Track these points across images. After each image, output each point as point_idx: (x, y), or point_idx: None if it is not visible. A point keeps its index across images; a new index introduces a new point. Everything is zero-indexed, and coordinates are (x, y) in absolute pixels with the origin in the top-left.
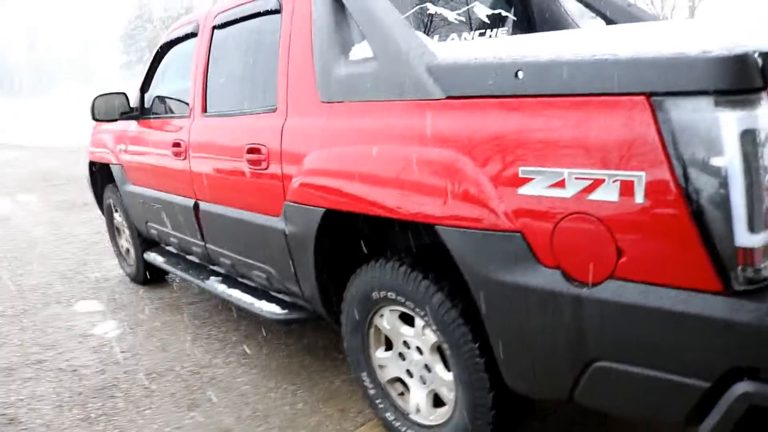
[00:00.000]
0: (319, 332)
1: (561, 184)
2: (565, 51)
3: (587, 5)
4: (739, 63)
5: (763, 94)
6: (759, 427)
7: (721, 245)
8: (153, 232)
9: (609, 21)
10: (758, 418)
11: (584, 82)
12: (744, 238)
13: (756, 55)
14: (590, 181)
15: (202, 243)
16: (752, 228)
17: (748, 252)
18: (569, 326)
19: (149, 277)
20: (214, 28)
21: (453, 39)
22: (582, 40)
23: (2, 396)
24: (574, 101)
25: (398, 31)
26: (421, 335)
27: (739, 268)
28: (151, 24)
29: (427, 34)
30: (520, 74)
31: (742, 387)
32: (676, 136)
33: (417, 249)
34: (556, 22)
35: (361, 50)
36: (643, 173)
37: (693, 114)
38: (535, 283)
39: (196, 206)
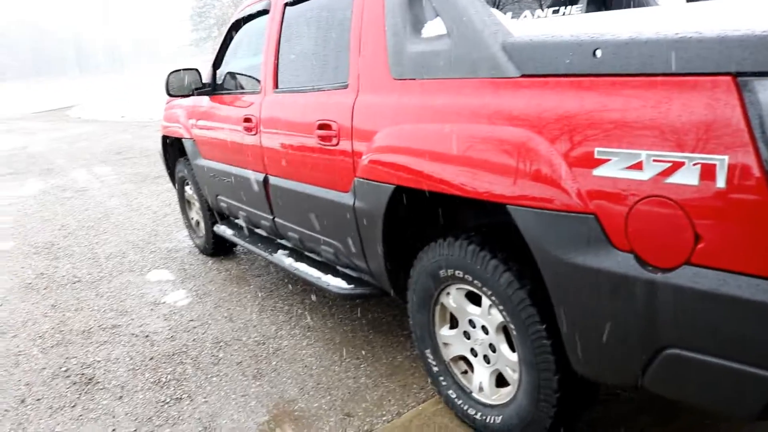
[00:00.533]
0: (384, 308)
1: (638, 166)
2: (646, 29)
3: None
4: None
5: None
6: None
7: None
8: (223, 205)
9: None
10: None
11: (666, 61)
12: None
13: None
14: (669, 164)
15: (271, 217)
16: None
17: None
18: (641, 312)
19: (218, 249)
20: (286, 5)
21: (525, 17)
22: (661, 18)
23: (81, 357)
24: (655, 81)
25: (473, 8)
26: (488, 314)
27: None
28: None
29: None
30: (599, 53)
31: None
32: (764, 118)
33: (487, 228)
34: (632, 0)
35: (434, 27)
36: (726, 157)
37: None
38: (608, 266)
39: (266, 180)
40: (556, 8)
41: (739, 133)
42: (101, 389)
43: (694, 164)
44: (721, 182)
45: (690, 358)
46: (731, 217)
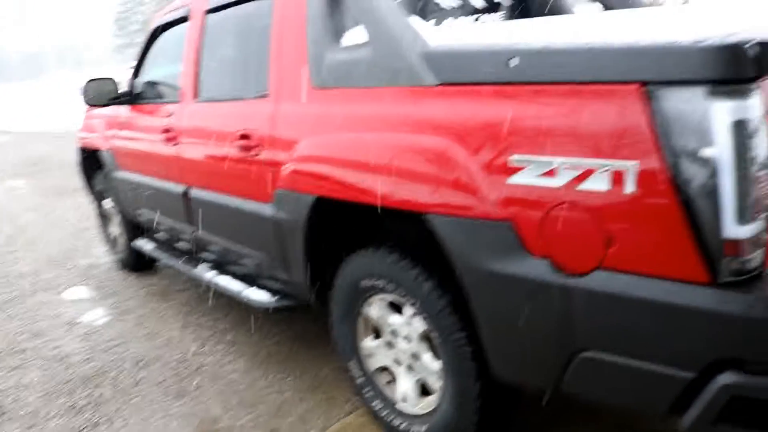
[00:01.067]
0: (309, 320)
1: (552, 173)
2: (559, 38)
3: None
4: (733, 53)
5: (756, 85)
6: (741, 417)
7: (709, 236)
8: (143, 218)
9: (606, 6)
10: (740, 409)
11: (577, 70)
12: (732, 229)
13: (749, 44)
14: (581, 171)
15: (192, 230)
16: (740, 219)
17: (735, 243)
18: (557, 316)
19: (139, 264)
20: (207, 12)
21: (447, 24)
22: (576, 27)
23: None
24: (567, 89)
25: (392, 17)
26: (410, 324)
27: (726, 259)
28: (144, 6)
29: (422, 19)
30: (513, 61)
31: (725, 378)
32: (669, 125)
33: (408, 237)
34: (551, 7)
35: (354, 36)
36: (634, 163)
37: (685, 104)
38: (524, 272)
39: (186, 192)
40: (477, 16)
41: (646, 140)
42: (8, 420)
43: (605, 170)
44: (630, 188)
45: (604, 359)
46: (640, 221)
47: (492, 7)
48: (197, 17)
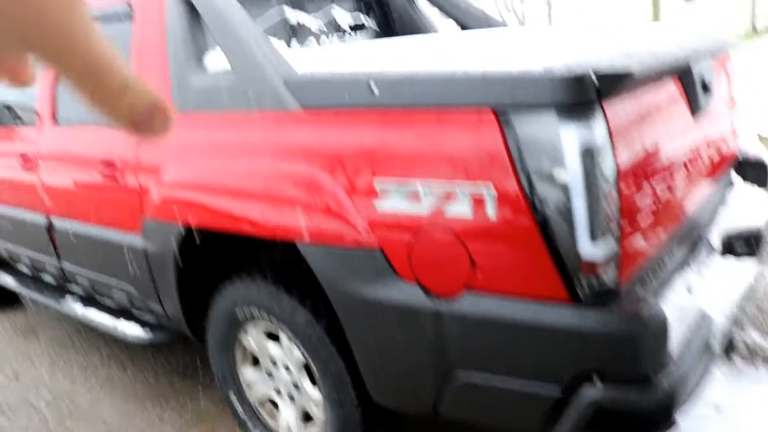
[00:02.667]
0: (188, 352)
1: (416, 198)
2: (418, 64)
3: (443, 11)
4: (577, 81)
5: (599, 110)
6: (608, 427)
7: (567, 256)
8: (2, 251)
9: (462, 26)
10: (607, 420)
11: (435, 96)
12: (587, 248)
13: (592, 73)
14: (443, 195)
15: (57, 261)
16: (594, 239)
17: (591, 263)
18: (430, 340)
19: (1, 299)
20: None
21: (311, 44)
22: (435, 50)
23: None
24: (427, 115)
25: (254, 42)
26: (289, 353)
27: (583, 277)
28: None
29: (285, 40)
30: (374, 88)
31: (588, 391)
32: (522, 149)
33: (280, 265)
34: (414, 25)
35: (216, 57)
36: (492, 186)
37: (537, 129)
38: (395, 297)
39: (49, 222)
40: (342, 35)
41: (501, 163)
42: None
43: (465, 194)
44: (490, 211)
45: (477, 382)
46: (501, 244)
47: (356, 27)
48: None
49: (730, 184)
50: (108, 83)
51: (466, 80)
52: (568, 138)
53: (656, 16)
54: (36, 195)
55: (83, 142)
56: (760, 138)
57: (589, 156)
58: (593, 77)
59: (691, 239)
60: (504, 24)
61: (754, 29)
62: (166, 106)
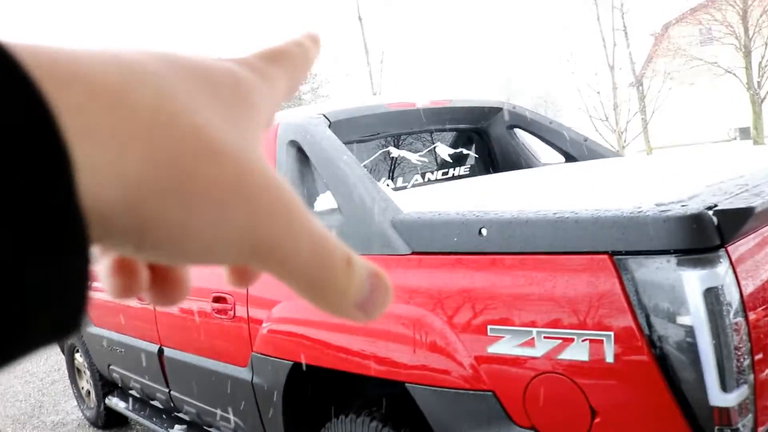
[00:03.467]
0: None
1: (530, 343)
2: (528, 206)
3: (546, 141)
4: (696, 223)
5: (722, 252)
6: None
7: (696, 406)
8: (116, 375)
9: (567, 156)
10: None
11: (547, 240)
12: (718, 397)
13: (711, 212)
14: (559, 341)
15: (167, 389)
16: (725, 387)
17: (724, 411)
18: None
19: (110, 421)
20: None
21: (417, 179)
22: (539, 187)
23: None
24: (539, 259)
25: (362, 185)
26: None
27: (716, 428)
28: None
29: (391, 177)
30: (484, 231)
31: None
32: (641, 295)
33: (388, 403)
34: (516, 158)
35: (325, 201)
36: (611, 333)
37: (656, 273)
38: None
39: (161, 351)
40: (446, 170)
41: (621, 310)
42: None
43: (583, 340)
44: (609, 357)
45: None
46: (623, 391)
47: (459, 161)
48: None
49: None
50: (333, 265)
51: (578, 224)
52: (691, 283)
53: (757, 122)
54: (150, 324)
55: (196, 275)
56: None
57: (713, 301)
58: (711, 214)
59: None
60: (608, 152)
61: None
62: (383, 274)
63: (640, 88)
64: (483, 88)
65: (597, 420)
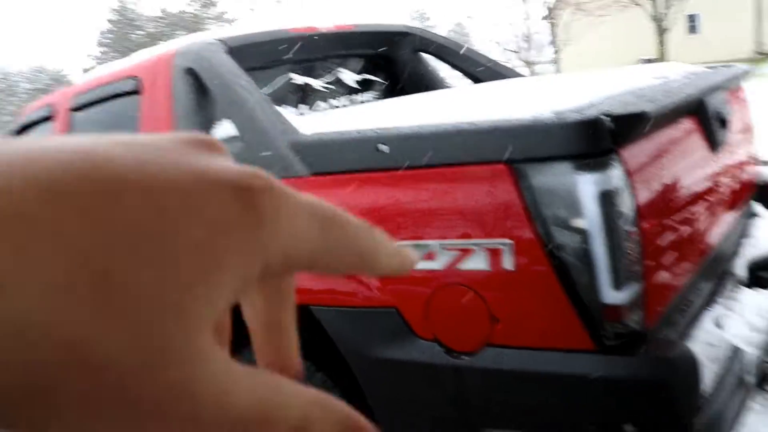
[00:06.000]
0: None
1: (431, 256)
2: (426, 121)
3: (452, 65)
4: (591, 128)
5: (615, 156)
6: None
7: (590, 305)
8: None
9: (475, 79)
10: None
11: (445, 152)
12: (609, 295)
13: (606, 118)
14: (459, 252)
15: None
16: (616, 285)
17: (615, 308)
18: (452, 398)
19: None
20: (70, 110)
21: (320, 107)
22: (444, 104)
23: None
24: (438, 172)
25: (260, 110)
26: None
27: (607, 324)
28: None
29: (294, 105)
30: (382, 147)
31: None
32: (538, 201)
33: (306, 331)
34: (424, 82)
35: (224, 128)
36: (509, 240)
37: (552, 179)
38: (414, 356)
39: None
40: (351, 96)
41: (518, 217)
42: None
43: (482, 249)
44: (508, 264)
45: None
46: (521, 296)
47: (365, 87)
48: (61, 116)
49: (753, 215)
50: None
51: (476, 134)
52: (586, 186)
53: (662, 53)
54: None
55: None
56: None
57: (607, 203)
58: (607, 121)
59: (716, 274)
60: (517, 74)
61: (760, 53)
62: (359, 423)
63: (552, 20)
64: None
65: (497, 326)
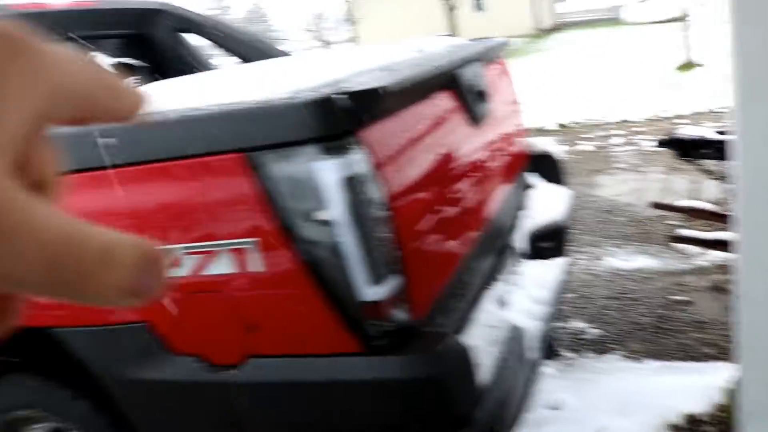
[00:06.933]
0: None
1: (174, 263)
2: (157, 108)
3: (218, 44)
4: (323, 107)
5: (356, 137)
6: None
7: (347, 303)
8: None
9: (243, 59)
10: None
11: (177, 144)
12: (367, 291)
13: (341, 96)
14: (203, 255)
15: None
16: (374, 279)
17: (374, 305)
18: (221, 415)
19: None
20: None
21: None
22: (190, 90)
23: None
24: (170, 166)
25: None
26: None
27: (369, 323)
28: None
29: None
30: (102, 141)
31: None
32: (279, 193)
33: (49, 355)
34: (185, 64)
35: None
36: (253, 239)
37: (291, 167)
38: (172, 375)
39: None
40: None
41: (259, 211)
42: None
43: (227, 251)
44: (256, 266)
45: None
46: (275, 300)
47: (123, 72)
48: None
49: (527, 186)
50: (84, 266)
51: (210, 121)
52: (327, 173)
53: (451, 28)
54: None
55: None
56: (562, 126)
57: (351, 190)
58: (343, 100)
59: (495, 250)
60: (284, 53)
61: (540, 30)
62: (154, 252)
63: None
64: (192, 4)
65: (256, 335)
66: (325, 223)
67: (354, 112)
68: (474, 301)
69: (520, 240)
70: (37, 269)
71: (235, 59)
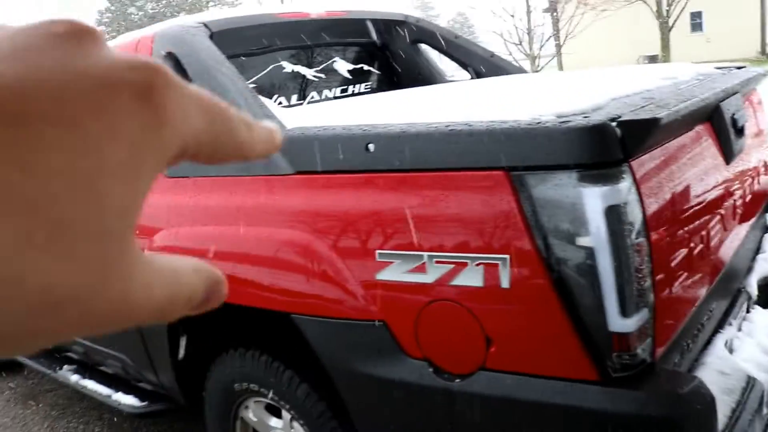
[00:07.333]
0: (192, 419)
1: (421, 269)
2: (420, 120)
3: (452, 57)
4: (597, 135)
5: (625, 167)
6: None
7: (595, 332)
8: None
9: (476, 73)
10: None
11: (439, 156)
12: (617, 323)
13: (614, 124)
14: (452, 266)
15: None
16: (624, 312)
17: (623, 337)
18: (441, 422)
19: (3, 366)
20: None
21: (313, 97)
22: (439, 101)
23: None
24: (430, 177)
25: (242, 100)
26: (290, 428)
27: (614, 354)
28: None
29: (285, 94)
30: (371, 147)
31: None
32: (539, 215)
33: (280, 337)
34: (420, 74)
35: None
36: (507, 256)
37: (555, 190)
38: (402, 376)
39: None
40: (345, 87)
41: (516, 229)
42: None
43: (477, 264)
44: (505, 282)
45: None
46: (519, 318)
47: (359, 78)
48: None
49: (766, 227)
50: (177, 310)
51: (472, 137)
52: (592, 200)
53: (665, 50)
54: None
55: None
56: None
57: (616, 220)
58: (618, 128)
59: (729, 293)
60: (521, 70)
61: (764, 53)
62: (221, 281)
63: (555, 13)
64: (400, 10)
65: (492, 349)
66: (584, 248)
67: (627, 141)
68: (707, 343)
69: (754, 285)
70: (145, 320)
71: (468, 73)
